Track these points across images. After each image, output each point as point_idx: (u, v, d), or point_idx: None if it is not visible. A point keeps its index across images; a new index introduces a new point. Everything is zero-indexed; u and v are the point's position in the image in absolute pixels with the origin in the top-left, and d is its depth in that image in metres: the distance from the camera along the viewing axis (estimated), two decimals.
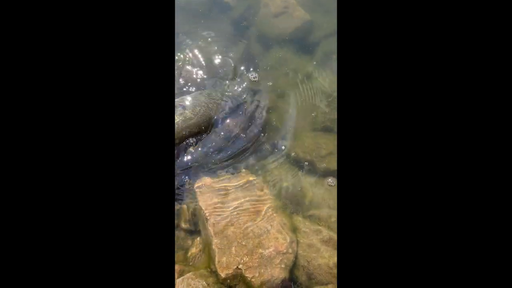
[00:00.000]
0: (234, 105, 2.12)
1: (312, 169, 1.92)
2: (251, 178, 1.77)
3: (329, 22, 2.63)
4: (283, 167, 1.92)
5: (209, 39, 2.51)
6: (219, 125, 2.02)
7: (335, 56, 2.38)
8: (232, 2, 2.83)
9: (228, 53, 2.46)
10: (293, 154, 1.96)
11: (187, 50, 2.42)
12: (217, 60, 2.41)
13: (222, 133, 1.99)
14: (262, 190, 1.72)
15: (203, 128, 1.95)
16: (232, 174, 1.82)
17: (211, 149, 1.93)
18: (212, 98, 2.07)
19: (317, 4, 2.79)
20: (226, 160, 1.92)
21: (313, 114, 2.14)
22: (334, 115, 2.10)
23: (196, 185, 1.75)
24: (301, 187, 1.83)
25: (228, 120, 2.04)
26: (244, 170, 1.85)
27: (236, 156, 1.95)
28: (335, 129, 2.07)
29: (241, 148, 1.97)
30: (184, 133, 1.87)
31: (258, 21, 2.63)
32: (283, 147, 1.99)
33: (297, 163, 1.94)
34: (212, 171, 1.86)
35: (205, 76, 2.30)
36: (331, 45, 2.46)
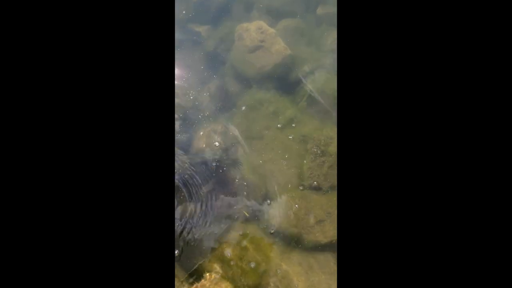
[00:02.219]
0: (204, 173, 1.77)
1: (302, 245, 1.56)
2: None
3: (312, 55, 2.32)
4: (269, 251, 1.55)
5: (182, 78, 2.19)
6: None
7: (320, 96, 2.06)
8: (204, 33, 2.52)
9: (201, 95, 2.13)
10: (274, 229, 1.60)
11: None
12: (188, 102, 2.06)
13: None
14: None
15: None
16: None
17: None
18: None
19: (299, 34, 2.49)
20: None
21: (298, 170, 1.80)
22: (322, 170, 1.76)
23: None
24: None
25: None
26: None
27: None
28: (324, 188, 1.72)
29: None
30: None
31: (233, 57, 2.32)
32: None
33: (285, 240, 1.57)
34: None
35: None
36: (316, 82, 2.15)
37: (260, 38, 2.28)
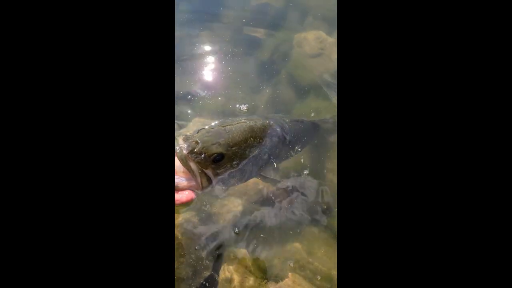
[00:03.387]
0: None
1: None
2: None
3: None
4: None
5: (234, 76, 2.18)
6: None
7: None
8: (262, 37, 2.52)
9: (253, 97, 2.11)
10: None
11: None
12: (240, 105, 2.04)
13: None
14: None
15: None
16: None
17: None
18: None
19: None
20: None
21: None
22: None
23: None
24: None
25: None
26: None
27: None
28: None
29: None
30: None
31: (291, 64, 2.29)
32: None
33: None
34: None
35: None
36: None
37: (320, 47, 2.26)
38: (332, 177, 1.74)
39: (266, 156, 1.32)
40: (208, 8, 2.70)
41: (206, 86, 2.16)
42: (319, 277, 1.41)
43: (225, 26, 2.54)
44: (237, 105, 1.98)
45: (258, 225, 1.62)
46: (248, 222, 1.63)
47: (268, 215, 1.64)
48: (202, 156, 1.10)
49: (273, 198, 1.72)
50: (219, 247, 1.54)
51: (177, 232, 1.54)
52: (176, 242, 1.50)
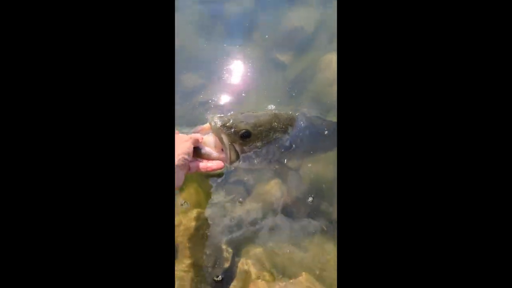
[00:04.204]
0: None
1: None
2: None
3: None
4: None
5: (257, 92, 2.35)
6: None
7: None
8: (287, 61, 2.71)
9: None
10: None
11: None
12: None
13: None
14: None
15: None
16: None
17: None
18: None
19: None
20: None
21: None
22: None
23: None
24: None
25: None
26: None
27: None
28: None
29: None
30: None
31: (313, 89, 2.47)
32: None
33: None
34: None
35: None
36: None
37: None
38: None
39: (288, 143, 1.52)
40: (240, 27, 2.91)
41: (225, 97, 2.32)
42: (330, 281, 1.53)
43: (254, 47, 2.73)
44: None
45: (274, 226, 1.75)
46: (265, 222, 1.76)
47: (287, 220, 1.77)
48: (232, 130, 1.31)
49: (291, 206, 1.85)
50: (240, 242, 1.67)
51: (203, 224, 1.68)
52: (201, 232, 1.64)
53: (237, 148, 1.39)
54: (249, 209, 1.81)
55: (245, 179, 1.94)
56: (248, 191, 1.94)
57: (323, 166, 1.93)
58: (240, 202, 1.79)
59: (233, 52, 2.64)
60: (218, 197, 1.79)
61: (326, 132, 1.76)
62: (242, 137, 1.38)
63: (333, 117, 2.25)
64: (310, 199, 1.79)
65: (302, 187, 1.75)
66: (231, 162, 1.39)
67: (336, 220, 1.74)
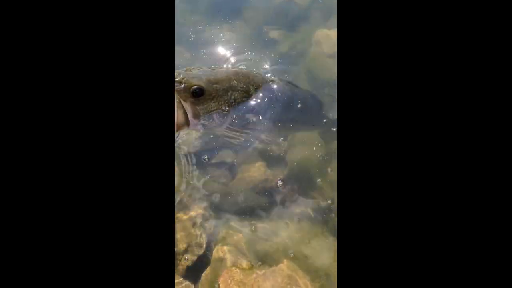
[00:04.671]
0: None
1: None
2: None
3: None
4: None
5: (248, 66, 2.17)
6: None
7: None
8: (278, 37, 2.52)
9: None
10: None
11: None
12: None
13: None
14: None
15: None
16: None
17: None
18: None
19: None
20: None
21: None
22: None
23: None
24: None
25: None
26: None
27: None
28: None
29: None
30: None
31: (308, 59, 2.28)
32: None
33: None
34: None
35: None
36: None
37: None
38: (332, 174, 1.69)
39: (254, 111, 1.29)
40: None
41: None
42: (314, 267, 1.35)
43: (245, 24, 2.56)
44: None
45: (257, 212, 1.57)
46: (247, 207, 1.59)
47: (269, 204, 1.60)
48: (182, 86, 1.09)
49: (275, 188, 1.68)
50: (215, 227, 1.50)
51: (176, 209, 1.51)
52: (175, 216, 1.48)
53: (189, 108, 1.14)
54: (229, 192, 1.64)
55: (228, 160, 1.77)
56: (231, 173, 1.77)
57: (300, 146, 1.75)
58: (218, 183, 1.62)
59: (222, 28, 2.48)
60: (195, 178, 1.63)
61: (299, 105, 1.52)
62: (194, 95, 1.13)
63: (326, 95, 2.06)
64: (280, 183, 1.62)
65: None
66: (179, 126, 1.13)
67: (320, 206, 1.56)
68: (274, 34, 2.55)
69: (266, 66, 2.20)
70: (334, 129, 1.68)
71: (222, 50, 2.30)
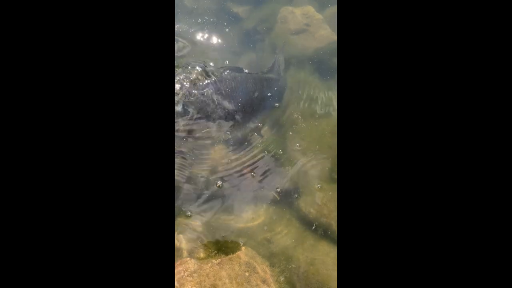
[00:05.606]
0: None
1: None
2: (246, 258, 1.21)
3: None
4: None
5: (215, 51, 2.04)
6: None
7: None
8: (242, 14, 2.39)
9: (233, 60, 1.98)
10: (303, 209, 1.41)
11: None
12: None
13: None
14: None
15: None
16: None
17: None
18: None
19: None
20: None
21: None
22: None
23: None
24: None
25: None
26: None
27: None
28: None
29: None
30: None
31: (274, 36, 2.17)
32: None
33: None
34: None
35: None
36: None
37: (306, 22, 2.14)
38: (296, 154, 1.61)
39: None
40: None
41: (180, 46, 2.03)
42: (274, 253, 1.28)
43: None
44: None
45: (217, 197, 1.48)
46: (207, 193, 1.49)
47: (231, 188, 1.51)
48: None
49: (238, 172, 1.59)
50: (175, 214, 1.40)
51: None
52: None
53: None
54: (187, 176, 1.54)
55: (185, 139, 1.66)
56: (190, 156, 1.67)
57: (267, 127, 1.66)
58: (175, 168, 1.51)
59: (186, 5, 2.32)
60: None
61: (256, 94, 1.48)
62: None
63: (292, 76, 1.97)
64: (242, 167, 1.57)
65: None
66: None
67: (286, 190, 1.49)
68: (238, 9, 2.42)
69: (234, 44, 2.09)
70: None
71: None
